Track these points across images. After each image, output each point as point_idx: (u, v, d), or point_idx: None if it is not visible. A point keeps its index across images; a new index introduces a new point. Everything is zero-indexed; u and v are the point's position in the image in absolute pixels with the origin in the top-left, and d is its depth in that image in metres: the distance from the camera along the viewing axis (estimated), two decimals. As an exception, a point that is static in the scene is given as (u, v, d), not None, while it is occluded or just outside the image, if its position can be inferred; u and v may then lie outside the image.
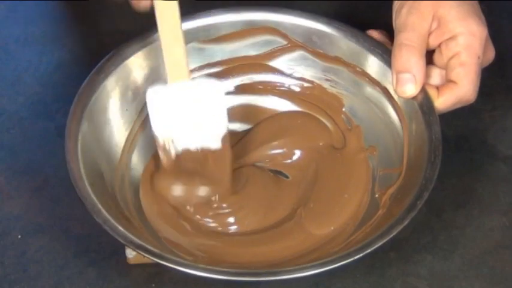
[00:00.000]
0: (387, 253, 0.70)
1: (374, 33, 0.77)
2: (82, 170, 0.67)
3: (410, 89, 0.71)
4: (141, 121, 0.75)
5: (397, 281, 0.69)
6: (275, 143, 0.78)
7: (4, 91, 0.83)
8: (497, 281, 0.69)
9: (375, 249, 0.62)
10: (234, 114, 0.77)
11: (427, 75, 0.72)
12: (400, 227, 0.63)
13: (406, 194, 0.66)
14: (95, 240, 0.71)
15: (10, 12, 0.91)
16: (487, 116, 0.81)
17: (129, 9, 0.70)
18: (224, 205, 0.72)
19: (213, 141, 0.70)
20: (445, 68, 0.72)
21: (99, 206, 0.65)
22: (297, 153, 0.77)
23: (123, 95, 0.74)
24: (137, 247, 0.63)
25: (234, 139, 0.77)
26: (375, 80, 0.75)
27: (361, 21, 0.78)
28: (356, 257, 0.62)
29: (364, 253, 0.62)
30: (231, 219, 0.72)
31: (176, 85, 0.68)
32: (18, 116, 0.81)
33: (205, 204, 0.72)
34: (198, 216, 0.72)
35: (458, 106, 0.72)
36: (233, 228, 0.72)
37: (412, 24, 0.71)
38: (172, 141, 0.70)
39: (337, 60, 0.77)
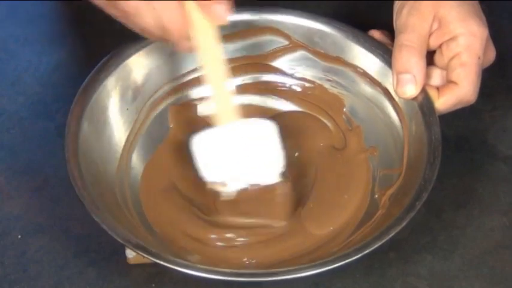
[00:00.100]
0: (387, 253, 0.70)
1: (376, 34, 0.77)
2: (82, 170, 0.67)
3: (410, 89, 0.71)
4: (141, 121, 0.75)
5: (397, 281, 0.69)
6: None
7: (4, 91, 0.83)
8: (497, 281, 0.69)
9: (374, 250, 0.62)
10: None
11: (428, 76, 0.72)
12: (399, 228, 0.63)
13: (406, 195, 0.66)
14: (95, 240, 0.71)
15: (10, 12, 0.91)
16: (488, 116, 0.80)
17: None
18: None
19: (272, 177, 0.70)
20: (446, 68, 0.72)
21: (99, 205, 0.65)
22: (298, 154, 0.77)
23: (123, 95, 0.74)
24: (136, 247, 0.63)
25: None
26: (376, 80, 0.75)
27: (361, 21, 0.78)
28: (355, 257, 0.62)
29: (364, 253, 0.62)
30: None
31: (222, 128, 0.68)
32: (18, 116, 0.81)
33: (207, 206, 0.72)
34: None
35: (458, 107, 0.72)
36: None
37: (412, 25, 0.71)
38: (225, 184, 0.69)
39: (338, 60, 0.77)
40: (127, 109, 0.75)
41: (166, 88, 0.78)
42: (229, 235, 0.70)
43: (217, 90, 0.68)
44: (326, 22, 0.77)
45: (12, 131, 0.80)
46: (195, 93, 0.79)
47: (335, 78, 0.78)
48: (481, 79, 0.71)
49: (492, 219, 0.73)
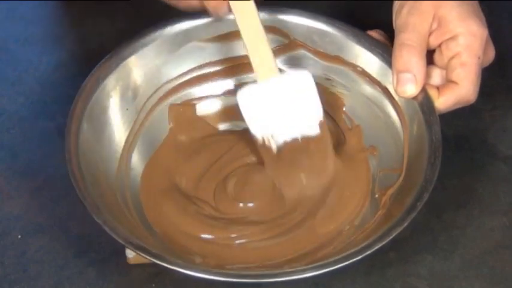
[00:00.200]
0: (387, 253, 0.70)
1: (373, 34, 0.77)
2: (82, 170, 0.67)
3: (410, 89, 0.71)
4: (141, 121, 0.75)
5: (397, 282, 0.69)
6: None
7: (4, 91, 0.83)
8: (497, 281, 0.69)
9: (374, 251, 0.62)
10: (235, 113, 0.77)
11: (428, 75, 0.72)
12: (399, 229, 0.63)
13: (406, 195, 0.66)
14: (95, 240, 0.71)
15: (10, 12, 0.91)
16: (488, 116, 0.80)
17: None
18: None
19: (312, 128, 0.72)
20: (446, 68, 0.72)
21: (99, 206, 0.65)
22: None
23: (123, 95, 0.74)
24: (136, 247, 0.63)
25: (235, 138, 0.77)
26: (376, 79, 0.75)
27: (361, 21, 0.78)
28: (356, 259, 0.62)
29: (364, 255, 0.62)
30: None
31: (266, 82, 0.70)
32: (18, 116, 0.81)
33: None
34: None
35: (458, 106, 0.72)
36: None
37: (412, 25, 0.71)
38: (272, 137, 0.71)
39: (337, 59, 0.77)
40: (127, 109, 0.75)
41: (166, 88, 0.78)
42: (231, 235, 0.70)
43: (256, 46, 0.70)
44: (326, 21, 0.77)
45: (12, 131, 0.80)
46: (194, 93, 0.79)
47: (335, 77, 0.78)
48: (481, 79, 0.71)
49: (492, 219, 0.73)
